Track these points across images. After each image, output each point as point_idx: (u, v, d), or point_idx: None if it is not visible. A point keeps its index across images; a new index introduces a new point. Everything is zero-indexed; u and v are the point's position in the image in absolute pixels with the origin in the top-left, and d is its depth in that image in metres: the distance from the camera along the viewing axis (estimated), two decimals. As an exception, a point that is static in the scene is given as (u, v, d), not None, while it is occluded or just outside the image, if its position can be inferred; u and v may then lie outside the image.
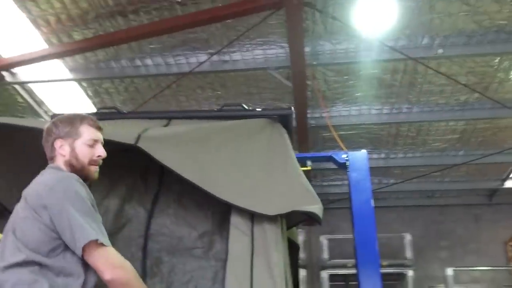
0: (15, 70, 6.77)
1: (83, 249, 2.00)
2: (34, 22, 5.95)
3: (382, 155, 9.10)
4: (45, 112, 7.72)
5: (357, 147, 8.22)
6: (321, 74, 6.84)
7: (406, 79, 6.89)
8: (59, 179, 2.13)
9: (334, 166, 5.24)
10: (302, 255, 8.82)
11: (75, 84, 7.12)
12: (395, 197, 10.50)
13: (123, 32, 5.96)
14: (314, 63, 6.47)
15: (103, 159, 2.33)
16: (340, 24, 5.84)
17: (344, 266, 8.21)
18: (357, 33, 6.00)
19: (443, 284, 8.63)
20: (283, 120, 2.89)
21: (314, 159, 5.53)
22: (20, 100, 7.48)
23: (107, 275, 2.00)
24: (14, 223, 2.14)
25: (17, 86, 7.16)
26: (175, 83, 6.74)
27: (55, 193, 2.08)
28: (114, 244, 2.57)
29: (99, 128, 2.34)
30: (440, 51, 6.21)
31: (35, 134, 2.38)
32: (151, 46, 6.40)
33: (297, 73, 6.33)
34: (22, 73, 6.88)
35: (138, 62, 6.69)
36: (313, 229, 10.20)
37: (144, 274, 2.55)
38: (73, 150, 2.26)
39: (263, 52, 6.47)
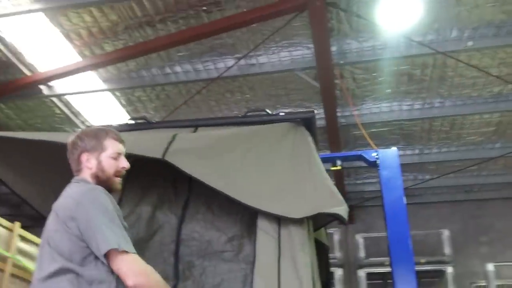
0: (51, 83, 7.06)
1: (107, 256, 2.09)
2: (67, 36, 6.19)
3: (416, 151, 8.98)
4: (82, 122, 8.00)
5: (389, 144, 8.17)
6: (349, 72, 6.82)
7: (436, 73, 6.79)
8: (85, 192, 2.24)
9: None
10: (338, 254, 8.81)
11: (109, 94, 7.34)
12: (431, 193, 10.32)
13: (152, 42, 6.13)
14: (341, 62, 6.47)
15: (134, 170, 2.44)
16: (366, 22, 5.83)
17: (381, 265, 8.12)
18: (384, 30, 5.98)
19: (484, 280, 8.44)
20: (307, 123, 2.93)
21: (344, 159, 5.53)
22: (58, 111, 7.77)
23: (129, 281, 2.08)
24: (48, 235, 2.26)
25: (54, 99, 7.44)
26: (205, 89, 6.87)
27: (82, 205, 2.19)
28: (147, 250, 2.69)
29: (122, 141, 2.45)
30: (470, 43, 6.10)
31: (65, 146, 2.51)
32: (180, 54, 6.54)
33: (324, 73, 6.35)
34: (59, 86, 7.16)
35: (168, 70, 6.85)
36: (349, 228, 10.15)
37: (176, 278, 2.64)
38: (99, 163, 2.37)
39: (289, 54, 6.52)
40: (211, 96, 7.31)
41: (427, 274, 8.63)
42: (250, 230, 2.58)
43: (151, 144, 2.60)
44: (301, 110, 3.01)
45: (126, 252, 2.11)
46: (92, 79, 6.97)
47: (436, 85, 7.05)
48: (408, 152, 8.94)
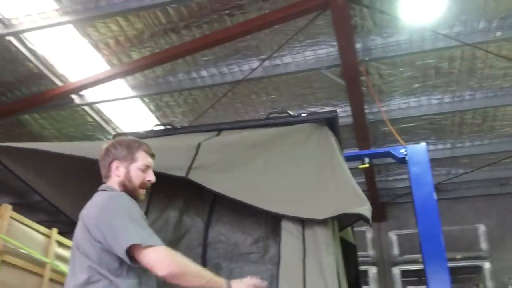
0: (83, 92, 7.25)
1: (132, 254, 2.14)
2: (96, 46, 6.36)
3: (448, 145, 8.81)
4: (113, 129, 8.18)
5: (420, 139, 8.05)
6: (375, 68, 6.76)
7: (464, 65, 6.66)
8: (109, 199, 2.31)
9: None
10: (371, 252, 8.73)
11: (137, 101, 7.49)
12: (465, 187, 10.09)
13: (178, 48, 6.22)
14: (366, 58, 6.42)
15: (161, 176, 2.51)
16: (389, 17, 5.78)
17: (415, 262, 7.99)
18: (408, 24, 5.91)
19: (524, 275, 8.23)
20: (329, 123, 2.94)
21: (372, 156, 5.51)
22: (90, 120, 7.97)
23: (160, 271, 2.14)
24: (77, 243, 2.33)
25: (86, 107, 7.64)
26: (231, 91, 6.93)
27: (105, 211, 2.26)
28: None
29: (152, 155, 2.54)
30: (499, 33, 5.97)
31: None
32: (205, 58, 6.62)
33: (349, 70, 6.32)
34: (89, 94, 7.36)
35: (194, 75, 6.95)
36: (381, 226, 10.05)
37: (204, 280, 2.69)
38: (128, 172, 2.45)
39: (314, 52, 6.51)
40: (237, 99, 7.37)
41: (463, 270, 8.47)
42: (275, 231, 2.61)
43: (175, 159, 2.66)
44: (324, 110, 3.01)
45: (151, 245, 2.15)
46: (121, 86, 7.13)
47: (466, 77, 6.91)
48: (440, 146, 8.79)
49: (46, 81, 6.98)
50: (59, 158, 2.85)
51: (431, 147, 8.71)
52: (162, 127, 3.21)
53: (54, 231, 6.57)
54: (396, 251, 8.67)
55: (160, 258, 2.15)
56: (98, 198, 2.39)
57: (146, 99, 7.49)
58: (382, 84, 7.09)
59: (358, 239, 8.64)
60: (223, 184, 2.57)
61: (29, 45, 6.35)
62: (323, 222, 2.39)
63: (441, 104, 7.54)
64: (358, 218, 2.47)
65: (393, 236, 8.87)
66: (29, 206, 9.50)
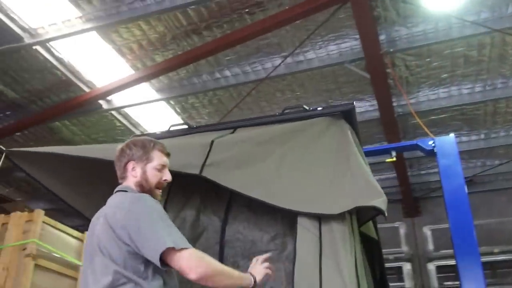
0: (110, 97, 7.36)
1: (164, 257, 2.11)
2: (119, 51, 6.44)
3: (482, 136, 8.53)
4: (142, 132, 8.27)
5: (452, 130, 7.83)
6: (401, 60, 6.60)
7: (495, 52, 6.42)
8: (133, 200, 2.30)
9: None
10: (405, 248, 8.54)
11: (163, 104, 7.56)
12: (502, 178, 9.74)
13: (200, 48, 6.23)
14: (391, 50, 6.27)
15: (178, 175, 2.50)
16: (413, 7, 5.63)
17: (452, 257, 7.73)
18: (433, 13, 5.74)
19: None
20: (347, 116, 2.87)
21: (399, 149, 5.38)
22: (118, 124, 8.10)
23: (192, 275, 2.11)
24: (99, 244, 2.28)
25: (113, 112, 7.76)
26: (255, 90, 6.90)
27: (132, 213, 2.23)
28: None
29: (168, 154, 2.53)
30: (528, 18, 5.73)
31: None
32: (227, 58, 6.61)
33: (373, 63, 6.19)
34: (116, 99, 7.47)
35: (218, 75, 6.95)
36: (415, 221, 9.83)
37: (222, 279, 2.67)
38: (144, 173, 2.44)
39: (337, 47, 6.41)
40: (261, 97, 7.33)
41: (503, 264, 8.18)
42: (293, 227, 2.56)
43: (189, 157, 2.64)
44: (341, 103, 2.96)
45: (182, 248, 2.13)
46: (147, 90, 7.21)
47: (497, 64, 6.66)
48: (473, 137, 8.52)
49: (74, 88, 7.12)
50: (74, 162, 2.88)
51: (464, 138, 8.46)
52: (178, 127, 3.20)
53: (86, 234, 6.69)
54: (431, 246, 8.46)
55: (192, 262, 2.13)
56: (120, 199, 2.37)
57: (171, 102, 7.55)
58: (409, 76, 6.91)
59: (391, 235, 8.54)
60: (237, 181, 2.54)
61: (56, 53, 6.49)
62: (339, 217, 2.33)
63: (472, 93, 7.31)
64: (377, 212, 2.39)
65: (427, 231, 8.66)
66: (64, 211, 9.72)
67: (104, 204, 2.83)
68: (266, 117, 3.18)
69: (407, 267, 8.26)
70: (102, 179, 3.05)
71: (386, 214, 2.30)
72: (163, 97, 7.32)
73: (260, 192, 2.50)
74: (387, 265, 8.09)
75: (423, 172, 9.60)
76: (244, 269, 2.67)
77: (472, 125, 8.15)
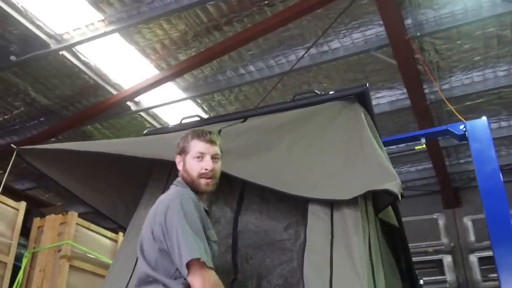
0: (137, 99, 7.43)
1: (187, 266, 2.08)
2: (143, 52, 6.49)
3: (523, 120, 8.13)
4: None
5: (490, 116, 7.49)
6: (430, 44, 6.35)
7: (530, 30, 6.10)
8: (174, 197, 2.27)
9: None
10: (445, 240, 8.24)
11: (190, 102, 7.57)
12: (547, 165, 9.28)
13: (222, 44, 6.19)
14: (418, 34, 6.04)
15: None
16: (438, -13, 5.41)
17: (494, 247, 7.46)
18: (461, -8, 5.50)
19: None
20: (361, 99, 2.75)
21: (429, 135, 5.19)
22: (148, 125, 8.15)
23: None
24: (141, 242, 2.32)
25: (142, 113, 7.84)
26: (280, 83, 6.81)
27: (169, 210, 2.21)
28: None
29: (210, 141, 2.42)
30: None
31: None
32: (251, 53, 6.56)
33: (400, 49, 5.99)
34: (144, 100, 7.53)
35: (242, 70, 6.90)
36: (456, 212, 9.47)
37: (235, 270, 2.61)
38: (184, 165, 2.42)
39: (362, 34, 6.24)
40: (287, 91, 7.22)
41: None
42: (306, 216, 2.46)
43: None
44: (354, 86, 2.84)
45: (205, 265, 2.10)
46: (173, 90, 7.23)
47: (533, 43, 6.33)
48: (513, 122, 8.13)
49: (102, 91, 7.23)
50: (90, 157, 2.88)
51: (503, 123, 8.09)
52: (190, 120, 3.16)
53: (121, 235, 6.78)
54: (472, 237, 8.13)
55: (207, 282, 2.09)
56: (167, 192, 2.38)
57: (198, 100, 7.55)
58: (439, 60, 6.65)
59: (429, 227, 8.25)
60: (246, 169, 2.47)
61: (82, 58, 6.61)
62: (352, 203, 2.22)
63: (509, 75, 6.95)
64: (394, 197, 2.27)
65: (468, 221, 8.33)
66: (103, 214, 9.92)
67: (120, 201, 2.81)
68: (276, 105, 3.09)
69: (447, 259, 7.97)
70: (116, 175, 3.05)
71: (400, 198, 2.17)
72: (190, 96, 7.33)
73: (269, 180, 2.42)
74: (427, 258, 7.91)
75: (461, 161, 9.23)
76: (258, 261, 2.60)
77: (511, 109, 7.77)
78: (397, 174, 2.26)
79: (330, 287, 2.02)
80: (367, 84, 2.78)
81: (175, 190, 2.36)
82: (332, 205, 2.27)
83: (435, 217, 8.32)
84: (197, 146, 2.40)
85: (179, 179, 2.44)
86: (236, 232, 2.70)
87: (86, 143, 3.13)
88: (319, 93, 2.89)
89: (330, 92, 2.86)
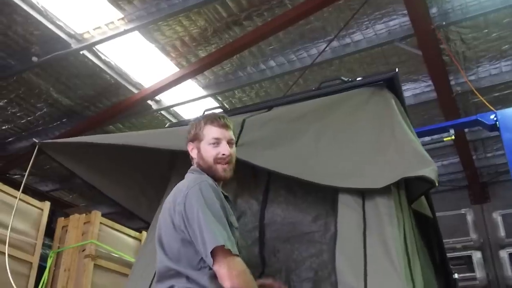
0: (158, 97, 7.41)
1: (211, 254, 2.00)
2: (163, 49, 6.45)
3: (555, 111, 7.85)
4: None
5: (521, 107, 7.24)
6: (455, 34, 6.17)
7: (562, 15, 5.87)
8: (192, 185, 2.18)
9: (495, 134, 4.68)
10: (474, 236, 8.01)
11: (211, 100, 7.51)
12: None
13: (242, 39, 6.10)
14: (444, 23, 5.87)
15: None
16: (464, -27, 5.24)
17: (527, 243, 7.24)
18: (488, -22, 5.32)
19: None
20: (390, 84, 2.64)
21: (457, 126, 5.02)
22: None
23: (227, 283, 1.98)
24: (159, 233, 2.24)
25: (163, 112, 7.81)
26: (301, 78, 6.69)
27: (188, 199, 2.13)
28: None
29: (224, 126, 2.34)
30: None
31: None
32: (271, 47, 6.46)
33: (425, 39, 5.82)
34: (165, 99, 7.50)
35: (262, 66, 6.81)
36: (484, 207, 9.23)
37: (262, 264, 2.52)
38: (199, 152, 2.34)
39: (385, 25, 6.08)
40: (309, 85, 7.07)
41: None
42: (335, 207, 2.36)
43: None
44: (382, 71, 2.74)
45: (230, 252, 2.02)
46: (193, 88, 7.18)
47: None
48: (545, 113, 7.85)
49: (123, 90, 7.22)
50: (111, 150, 2.83)
51: (535, 115, 7.81)
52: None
53: (144, 234, 6.77)
54: (502, 233, 7.88)
55: (234, 270, 2.01)
56: (184, 181, 2.30)
57: (219, 97, 7.49)
58: (466, 50, 6.45)
59: (458, 223, 8.03)
60: (272, 160, 2.38)
61: (103, 57, 6.60)
62: (384, 192, 2.11)
63: (540, 64, 6.73)
64: (429, 184, 2.15)
65: (498, 217, 8.08)
66: (127, 214, 9.95)
67: (143, 195, 2.75)
68: (302, 93, 2.99)
69: (477, 255, 7.74)
70: (139, 169, 2.99)
71: (437, 184, 2.05)
72: (210, 93, 7.27)
73: (297, 170, 2.33)
74: (455, 254, 7.70)
75: (489, 154, 8.97)
76: (286, 254, 2.51)
77: (543, 100, 7.51)
78: (432, 160, 2.14)
79: (364, 278, 1.92)
80: (397, 69, 2.66)
81: (192, 177, 2.27)
82: (363, 194, 2.16)
83: (463, 212, 8.09)
84: (211, 131, 2.32)
85: (193, 167, 2.37)
86: (263, 225, 2.61)
87: (107, 135, 3.09)
88: (346, 79, 2.78)
89: (358, 79, 2.76)
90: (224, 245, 1.99)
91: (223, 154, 2.29)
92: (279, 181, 2.61)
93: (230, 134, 2.35)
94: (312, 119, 2.55)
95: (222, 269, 1.99)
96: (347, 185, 2.19)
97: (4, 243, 5.18)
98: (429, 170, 2.05)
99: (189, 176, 2.30)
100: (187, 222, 2.09)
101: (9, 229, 3.72)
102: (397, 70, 2.67)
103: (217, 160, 2.29)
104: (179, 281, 2.08)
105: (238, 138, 2.51)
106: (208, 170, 2.30)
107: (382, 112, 2.48)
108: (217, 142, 2.30)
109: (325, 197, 2.46)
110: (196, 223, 2.05)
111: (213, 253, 1.99)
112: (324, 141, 2.43)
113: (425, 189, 2.34)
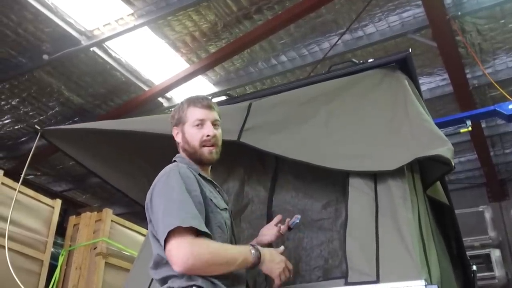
0: (168, 94, 7.36)
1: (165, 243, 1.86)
2: (173, 45, 6.39)
3: None
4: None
5: (539, 100, 7.04)
6: (471, 25, 6.01)
7: None
8: (161, 175, 2.08)
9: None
10: (492, 234, 7.81)
11: (222, 97, 7.42)
12: None
13: (252, 33, 6.02)
14: (459, 13, 5.72)
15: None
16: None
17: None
18: (504, -34, 5.16)
19: None
20: (403, 66, 2.54)
21: (474, 117, 4.88)
22: (181, 122, 8.07)
23: (175, 267, 1.85)
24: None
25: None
26: (313, 73, 6.58)
27: (154, 189, 2.04)
28: (237, 226, 2.50)
29: (208, 107, 2.24)
30: None
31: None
32: (282, 42, 6.37)
33: (440, 30, 5.68)
34: (176, 96, 7.45)
35: (274, 61, 6.73)
36: (503, 205, 9.01)
37: (272, 252, 2.42)
38: (183, 135, 2.23)
39: (398, 16, 5.96)
40: (321, 80, 7.00)
41: None
42: (347, 192, 2.26)
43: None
44: (395, 52, 2.64)
45: (190, 231, 1.84)
46: (203, 84, 7.12)
47: None
48: None
49: (134, 88, 7.19)
50: (115, 138, 2.76)
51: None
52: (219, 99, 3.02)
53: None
54: (520, 231, 7.67)
55: (180, 250, 1.83)
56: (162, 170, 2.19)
57: (230, 94, 7.39)
58: (482, 42, 6.29)
59: (475, 221, 7.84)
60: (280, 144, 2.29)
61: (113, 54, 6.57)
62: (397, 174, 2.01)
63: (560, 56, 6.53)
64: (446, 166, 2.03)
65: (516, 214, 7.88)
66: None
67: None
68: (311, 77, 2.90)
69: (496, 253, 7.54)
70: (145, 158, 2.92)
71: (453, 165, 1.93)
72: (221, 90, 7.19)
73: (306, 154, 2.23)
74: (474, 252, 7.50)
75: (507, 150, 8.76)
76: (295, 242, 2.41)
77: None
78: (448, 140, 2.03)
79: (376, 264, 1.82)
80: (410, 49, 2.55)
81: (167, 167, 2.14)
82: (375, 177, 2.06)
83: (481, 210, 7.90)
84: (195, 113, 2.22)
85: (179, 154, 2.27)
86: (271, 212, 2.52)
87: (111, 121, 3.01)
88: (356, 61, 2.69)
89: (369, 60, 2.66)
90: (179, 226, 1.82)
91: (208, 136, 2.19)
92: (287, 167, 2.52)
93: (214, 115, 2.24)
94: (322, 102, 2.45)
95: (168, 253, 1.85)
96: (358, 168, 2.08)
97: (16, 240, 5.18)
98: (445, 149, 1.94)
99: (167, 166, 2.16)
100: (153, 217, 2.00)
101: (7, 223, 3.64)
102: (410, 50, 2.57)
103: (202, 142, 2.19)
104: (171, 269, 1.97)
105: (244, 122, 2.42)
106: (194, 154, 2.20)
107: (395, 92, 2.38)
108: (201, 123, 2.20)
109: (335, 183, 2.37)
110: (156, 214, 1.96)
111: (166, 240, 1.85)
112: (335, 124, 2.34)
113: (440, 173, 2.22)
